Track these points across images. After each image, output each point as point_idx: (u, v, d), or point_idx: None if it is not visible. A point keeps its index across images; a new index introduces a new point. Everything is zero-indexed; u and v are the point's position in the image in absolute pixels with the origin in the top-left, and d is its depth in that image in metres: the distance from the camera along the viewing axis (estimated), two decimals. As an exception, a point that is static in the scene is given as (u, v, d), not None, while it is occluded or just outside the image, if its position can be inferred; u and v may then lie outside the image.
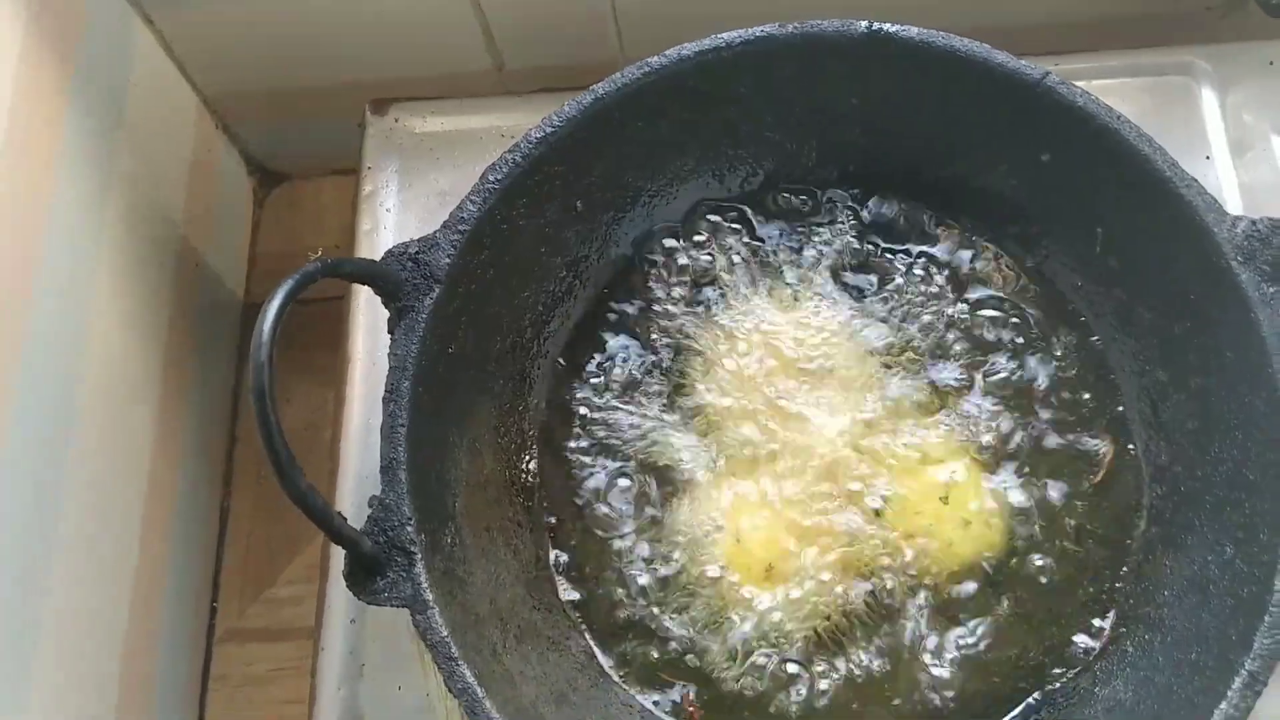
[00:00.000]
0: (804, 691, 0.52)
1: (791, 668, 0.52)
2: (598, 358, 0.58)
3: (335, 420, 0.61)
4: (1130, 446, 0.55)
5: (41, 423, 0.59)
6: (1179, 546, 0.51)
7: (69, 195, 0.62)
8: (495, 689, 0.44)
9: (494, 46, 0.74)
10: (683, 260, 0.60)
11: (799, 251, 0.60)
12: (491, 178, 0.50)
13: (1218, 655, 0.45)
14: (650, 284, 0.59)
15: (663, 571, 0.54)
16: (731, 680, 0.52)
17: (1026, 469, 0.55)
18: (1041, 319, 0.58)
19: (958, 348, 0.57)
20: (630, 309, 0.59)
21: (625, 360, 0.58)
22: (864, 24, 0.51)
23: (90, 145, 0.64)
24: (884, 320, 0.58)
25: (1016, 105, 0.52)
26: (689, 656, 0.52)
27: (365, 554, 0.44)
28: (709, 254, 0.60)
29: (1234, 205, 0.62)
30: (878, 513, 0.54)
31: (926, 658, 0.52)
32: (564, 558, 0.55)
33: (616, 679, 0.52)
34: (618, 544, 0.54)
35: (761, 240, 0.60)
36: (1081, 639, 0.52)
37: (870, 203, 0.60)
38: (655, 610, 0.53)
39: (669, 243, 0.60)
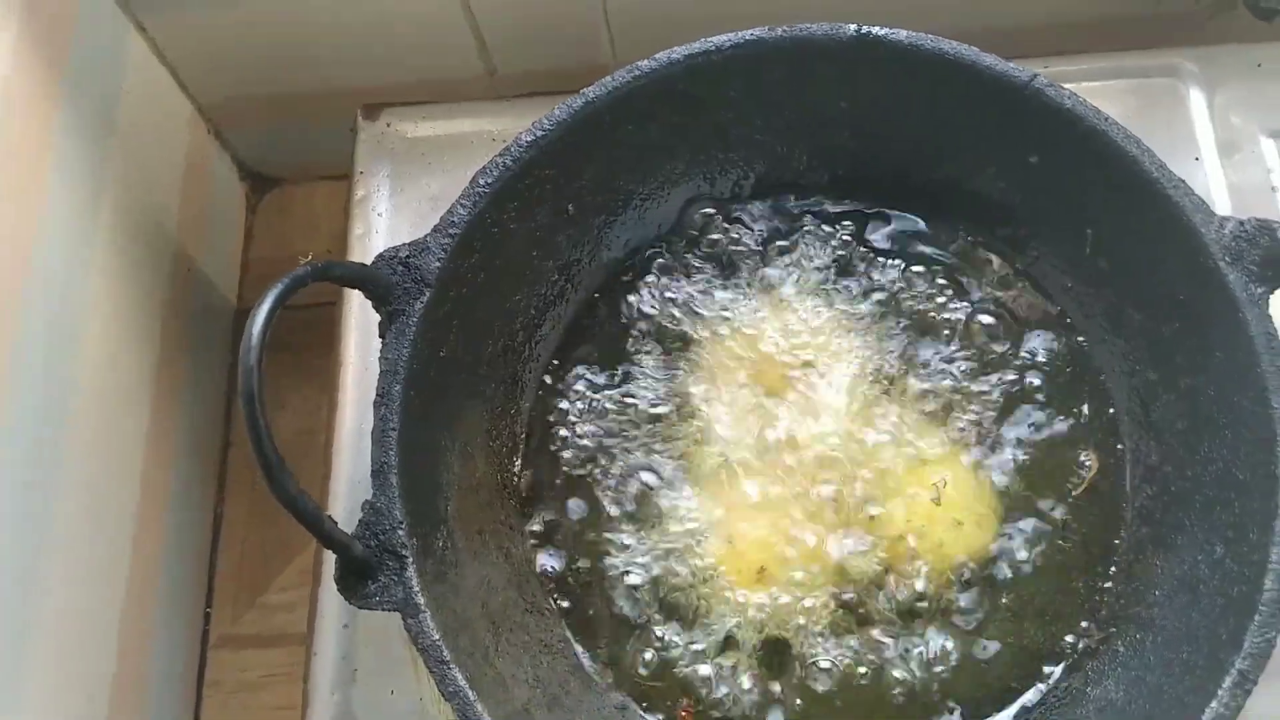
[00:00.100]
0: (793, 691, 0.52)
1: (781, 668, 0.52)
2: (589, 361, 0.58)
3: (328, 425, 0.61)
4: (1120, 447, 0.55)
5: (34, 428, 0.58)
6: (1169, 546, 0.51)
7: (61, 201, 0.62)
8: (487, 692, 0.44)
9: (486, 52, 0.75)
10: (675, 263, 0.60)
11: (792, 253, 0.60)
12: (482, 181, 0.50)
13: (1208, 654, 0.45)
14: (642, 287, 0.59)
15: (654, 574, 0.54)
16: (718, 680, 0.52)
17: (1017, 470, 0.55)
18: (1031, 321, 0.58)
19: (949, 350, 0.58)
20: (622, 312, 0.59)
21: (617, 364, 0.58)
22: (853, 27, 0.52)
23: (82, 151, 0.64)
24: (876, 323, 0.58)
25: (1005, 108, 0.52)
26: (681, 658, 0.52)
27: (356, 558, 0.44)
28: (701, 257, 0.60)
29: (1222, 206, 0.62)
30: (869, 514, 0.54)
31: (918, 658, 0.52)
32: (556, 561, 0.55)
33: (609, 682, 0.52)
34: (610, 547, 0.54)
35: (754, 243, 0.60)
36: (1072, 639, 0.52)
37: (864, 207, 0.60)
38: (647, 613, 0.53)
39: (661, 245, 0.60)
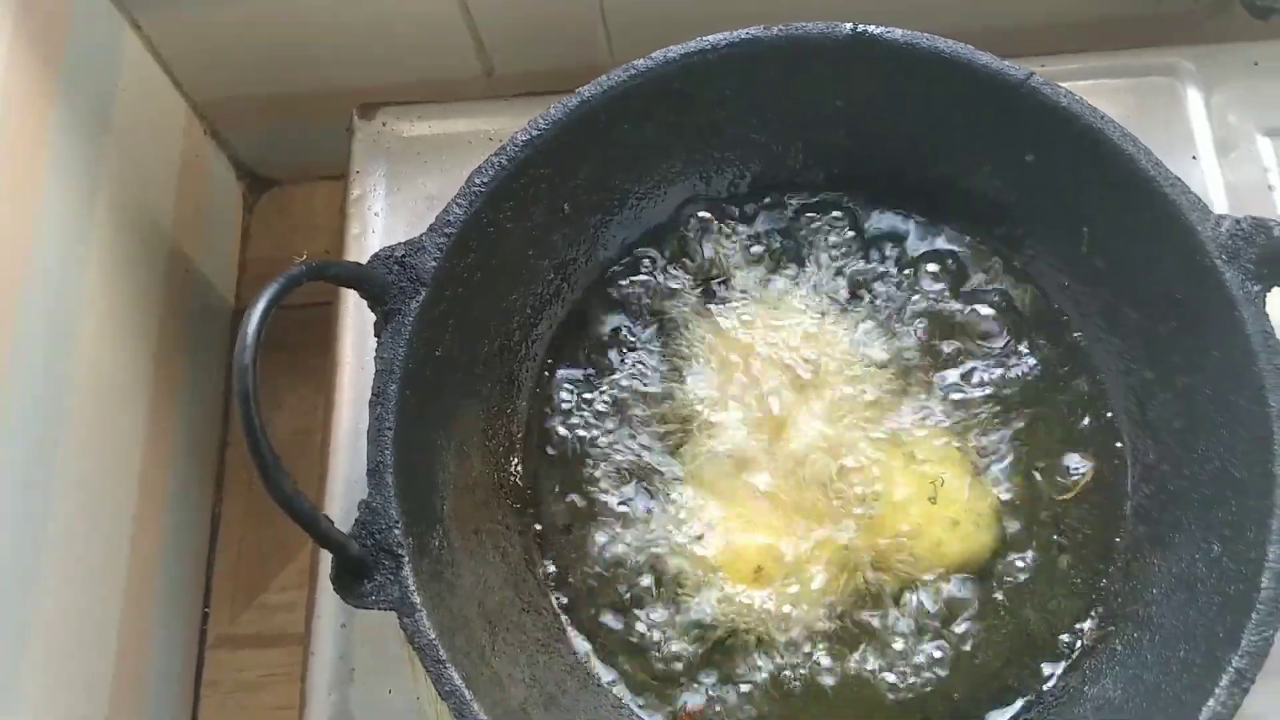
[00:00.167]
0: (790, 691, 0.52)
1: (780, 668, 0.52)
2: (586, 360, 0.58)
3: (325, 424, 0.61)
4: (1117, 445, 0.55)
5: (31, 427, 0.58)
6: (1167, 545, 0.51)
7: (57, 199, 0.62)
8: (484, 691, 0.44)
9: (484, 52, 0.75)
10: (671, 262, 0.60)
11: (788, 253, 0.60)
12: (477, 181, 0.50)
13: (1205, 653, 0.45)
14: (638, 286, 0.59)
15: (651, 573, 0.54)
16: (721, 680, 0.52)
17: (1014, 469, 0.55)
18: (1028, 319, 0.58)
19: (946, 349, 0.57)
20: (618, 311, 0.59)
21: (614, 362, 0.58)
22: (849, 26, 0.52)
23: (78, 150, 0.64)
24: (873, 321, 0.58)
25: (1001, 106, 0.52)
26: (678, 658, 0.52)
27: (352, 557, 0.44)
28: (698, 256, 0.60)
29: (1220, 205, 0.62)
30: (867, 513, 0.54)
31: (916, 657, 0.52)
32: (552, 560, 0.55)
33: (606, 681, 0.52)
34: (606, 546, 0.54)
35: (751, 241, 0.60)
36: (1070, 637, 0.52)
37: (860, 206, 0.60)
38: (644, 612, 0.53)
39: (658, 245, 0.60)
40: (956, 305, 0.58)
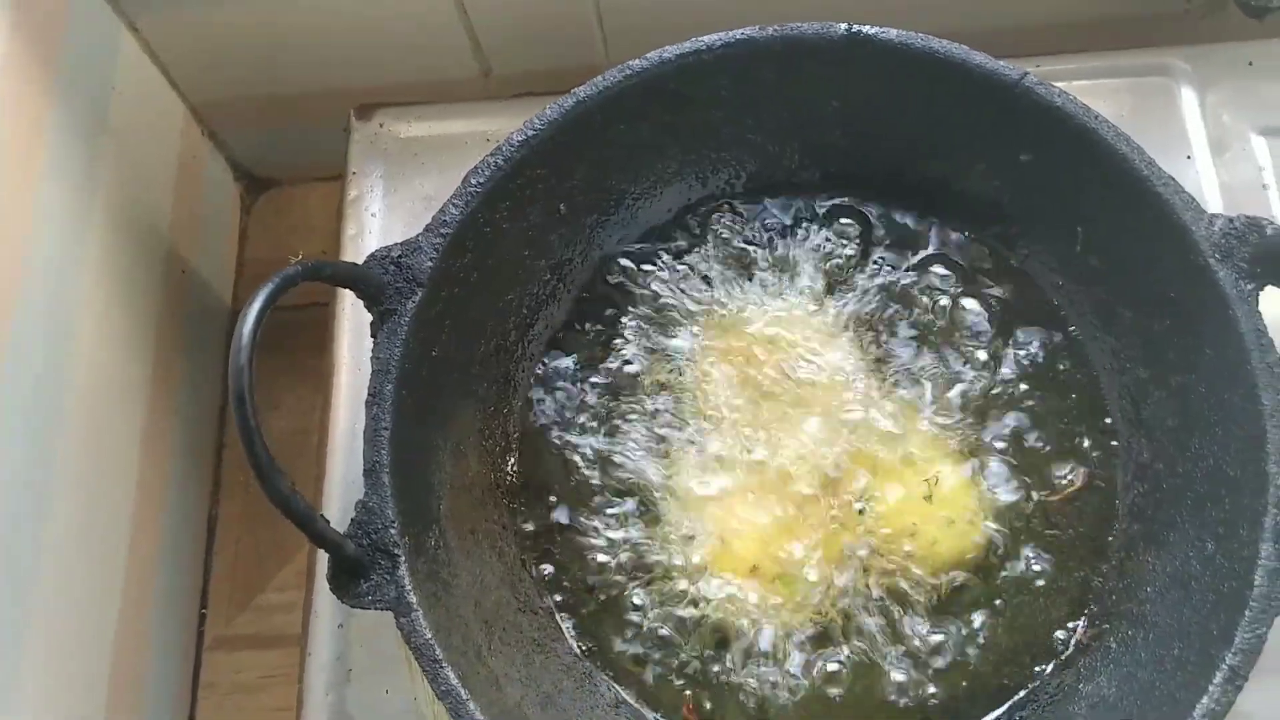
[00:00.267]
0: (787, 690, 0.52)
1: (776, 667, 0.52)
2: (582, 360, 0.58)
3: (322, 425, 0.61)
4: (1111, 444, 0.55)
5: (29, 428, 0.58)
6: (1161, 543, 0.51)
7: (54, 201, 0.62)
8: (480, 691, 0.44)
9: (481, 53, 0.75)
10: (668, 262, 0.60)
11: (785, 253, 0.60)
12: (473, 181, 0.50)
13: (1200, 650, 0.45)
14: (635, 287, 0.60)
15: (647, 572, 0.54)
16: (716, 680, 0.52)
17: (1010, 467, 0.55)
18: (1023, 318, 0.58)
19: (942, 348, 0.58)
20: (614, 311, 0.59)
21: (610, 362, 0.58)
22: (844, 26, 0.52)
23: (75, 151, 0.64)
24: (868, 321, 0.58)
25: (996, 106, 0.52)
26: (674, 657, 0.52)
27: (349, 557, 0.44)
28: (694, 255, 0.60)
29: (1214, 205, 0.62)
30: (862, 512, 0.54)
31: (911, 656, 0.52)
32: (548, 560, 0.55)
33: (603, 681, 0.52)
34: (602, 546, 0.55)
35: (747, 242, 0.60)
36: (1065, 635, 0.52)
37: (855, 206, 0.60)
38: (640, 611, 0.53)
39: (654, 245, 0.60)
40: (951, 304, 0.58)
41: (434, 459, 0.50)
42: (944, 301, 0.58)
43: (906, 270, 0.59)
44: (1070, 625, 0.53)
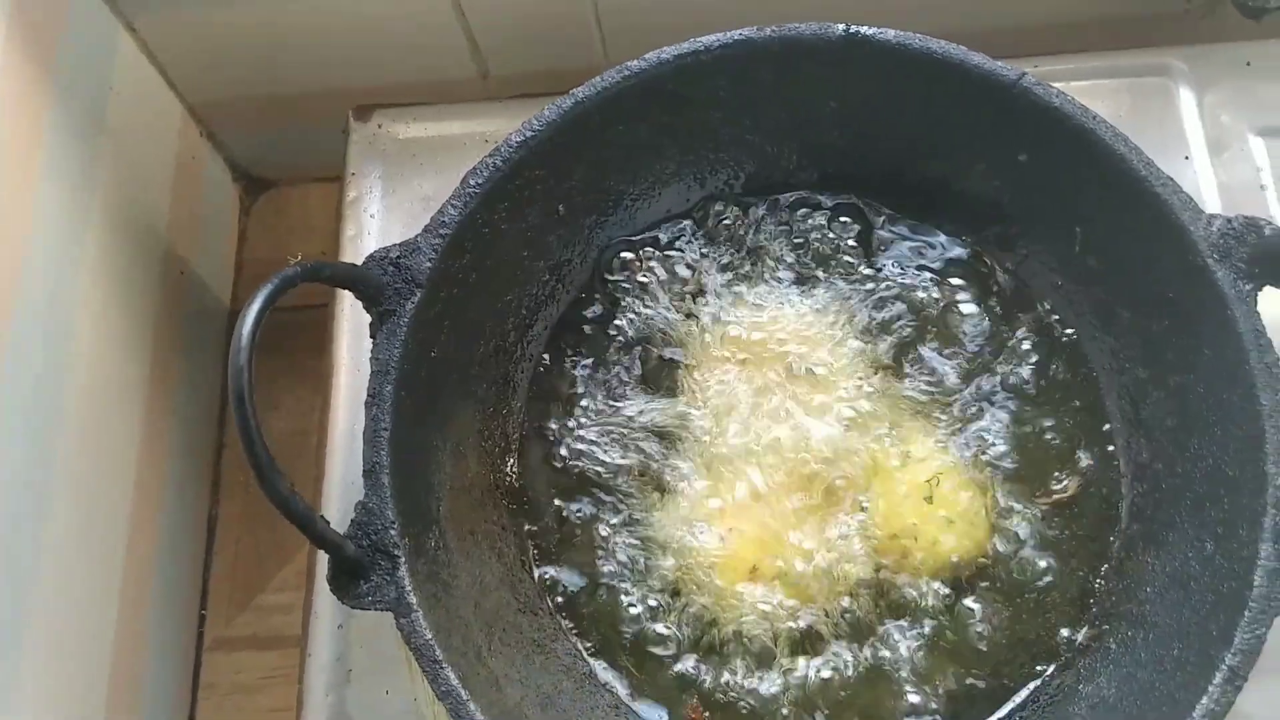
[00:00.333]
0: (787, 691, 0.52)
1: (775, 667, 0.52)
2: (581, 361, 0.58)
3: (321, 426, 0.61)
4: (1110, 444, 0.55)
5: (27, 428, 0.58)
6: (1160, 543, 0.51)
7: (52, 201, 0.62)
8: (480, 691, 0.44)
9: (479, 54, 0.75)
10: (667, 263, 0.60)
11: (782, 252, 0.60)
12: (472, 182, 0.50)
13: (1199, 651, 0.45)
14: (634, 287, 0.60)
15: (648, 573, 0.54)
16: (716, 681, 0.52)
17: (1010, 467, 0.55)
18: (1021, 318, 0.58)
19: (940, 348, 0.58)
20: (613, 312, 0.59)
21: (609, 363, 0.58)
22: (841, 27, 0.52)
23: (73, 152, 0.64)
24: (867, 321, 0.58)
25: (994, 107, 0.52)
26: (677, 657, 0.52)
27: (348, 558, 0.44)
28: (692, 256, 0.60)
29: (1213, 205, 0.62)
30: (863, 512, 0.54)
31: (912, 656, 0.52)
32: (548, 561, 0.55)
33: (601, 681, 0.52)
34: (601, 546, 0.55)
35: (745, 241, 0.60)
36: (1065, 636, 0.52)
37: (854, 206, 0.60)
38: (640, 612, 0.53)
39: (652, 245, 0.60)
40: (950, 304, 0.58)
41: (433, 460, 0.50)
42: (943, 302, 0.59)
43: (905, 271, 0.59)
44: (1070, 626, 0.53)
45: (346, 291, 0.49)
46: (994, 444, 0.56)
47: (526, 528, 0.55)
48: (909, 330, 0.58)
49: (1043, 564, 0.54)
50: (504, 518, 0.55)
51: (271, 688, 0.74)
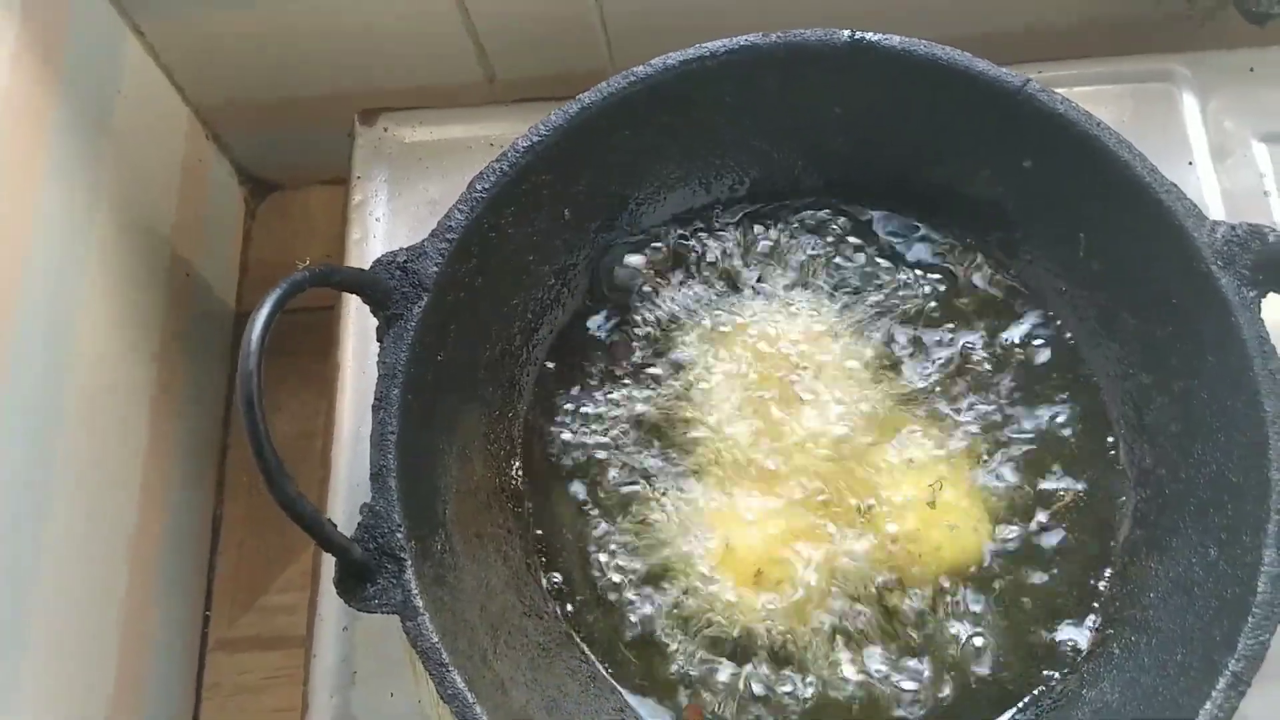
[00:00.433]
0: (790, 695, 0.52)
1: (779, 671, 0.52)
2: (587, 365, 0.58)
3: (326, 428, 0.61)
4: (1113, 450, 0.55)
5: (31, 430, 0.59)
6: (1164, 549, 0.51)
7: (57, 203, 0.62)
8: (486, 695, 0.44)
9: (485, 58, 0.75)
10: (671, 267, 0.60)
11: (788, 258, 0.60)
12: (479, 187, 0.50)
13: (1202, 656, 0.45)
14: (640, 291, 0.60)
15: (652, 576, 0.54)
16: (720, 684, 0.52)
17: (1013, 472, 0.55)
18: (1025, 324, 0.58)
19: (945, 354, 0.58)
20: (620, 316, 0.59)
21: (615, 367, 0.58)
22: (846, 33, 0.52)
23: (79, 154, 0.65)
24: (872, 326, 0.58)
25: (998, 113, 0.52)
26: (681, 661, 0.53)
27: (355, 561, 0.44)
28: (697, 261, 0.60)
29: (1216, 211, 0.62)
30: (865, 517, 0.54)
31: (913, 661, 0.52)
32: (553, 564, 0.55)
33: (608, 685, 0.52)
34: (607, 549, 0.55)
35: (750, 247, 0.60)
36: (1068, 641, 0.53)
37: (858, 211, 0.61)
38: (644, 615, 0.53)
39: (658, 249, 0.60)
40: (954, 311, 0.59)
41: (439, 463, 0.50)
42: (946, 307, 0.59)
43: (908, 276, 0.59)
44: (1073, 631, 0.53)
45: (352, 295, 0.49)
46: (995, 448, 0.56)
47: (532, 531, 0.55)
48: (912, 335, 0.58)
49: (1045, 569, 0.54)
50: (509, 521, 0.55)
51: (275, 688, 0.74)
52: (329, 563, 0.46)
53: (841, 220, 0.60)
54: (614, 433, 0.57)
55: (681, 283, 0.60)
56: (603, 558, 0.55)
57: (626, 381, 0.58)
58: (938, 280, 0.59)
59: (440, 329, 0.49)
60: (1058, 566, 0.54)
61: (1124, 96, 0.65)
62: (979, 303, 0.59)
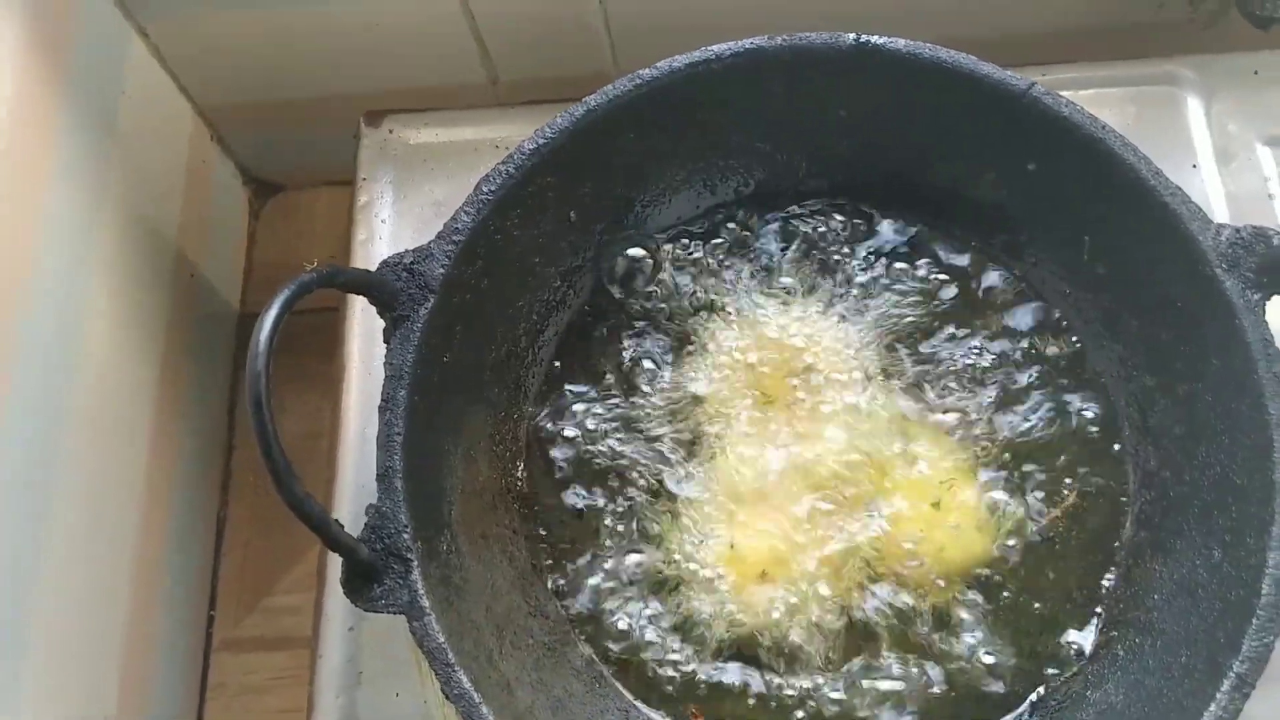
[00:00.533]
0: (795, 695, 0.52)
1: (781, 673, 0.52)
2: (592, 366, 0.58)
3: (332, 429, 0.61)
4: (1118, 451, 0.55)
5: (37, 430, 0.59)
6: (1168, 551, 0.51)
7: (63, 206, 0.62)
8: (491, 695, 0.44)
9: (488, 59, 0.75)
10: (680, 268, 0.60)
11: (793, 261, 0.60)
12: (485, 189, 0.50)
13: (1207, 658, 0.45)
14: (645, 293, 0.60)
15: (658, 577, 0.54)
16: (724, 684, 0.52)
17: (1017, 474, 0.55)
18: (1029, 326, 0.58)
19: (949, 355, 0.58)
20: (625, 317, 0.59)
21: (620, 368, 0.58)
22: (852, 36, 0.52)
23: (84, 156, 0.65)
24: (876, 328, 0.58)
25: (1003, 116, 0.52)
26: (683, 662, 0.53)
27: (362, 561, 0.44)
28: (702, 263, 0.60)
29: (1220, 214, 0.63)
30: (870, 518, 0.54)
31: (919, 662, 0.52)
32: (559, 565, 0.55)
33: (612, 686, 0.53)
34: (612, 551, 0.55)
35: (755, 249, 0.60)
36: (1072, 643, 0.53)
37: (863, 214, 0.61)
38: (650, 616, 0.53)
39: (663, 251, 0.60)
40: (958, 312, 0.59)
41: (445, 464, 0.51)
42: (951, 309, 0.59)
43: (913, 279, 0.59)
44: (1077, 632, 0.53)
45: (358, 296, 0.50)
46: (1002, 450, 0.56)
47: (537, 531, 0.55)
48: (917, 337, 0.58)
49: (1050, 570, 0.54)
50: (515, 521, 0.55)
51: (280, 689, 0.75)
52: (335, 563, 0.46)
53: (846, 222, 0.61)
54: (618, 434, 0.57)
55: (686, 285, 0.60)
56: (608, 557, 0.55)
57: (630, 383, 0.58)
58: (941, 283, 0.59)
59: (446, 330, 0.50)
60: (1062, 568, 0.54)
61: (1128, 100, 0.65)
62: (983, 305, 0.59)
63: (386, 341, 0.48)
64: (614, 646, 0.53)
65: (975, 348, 0.58)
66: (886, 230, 0.60)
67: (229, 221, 0.85)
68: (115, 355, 0.67)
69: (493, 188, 0.50)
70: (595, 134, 0.52)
